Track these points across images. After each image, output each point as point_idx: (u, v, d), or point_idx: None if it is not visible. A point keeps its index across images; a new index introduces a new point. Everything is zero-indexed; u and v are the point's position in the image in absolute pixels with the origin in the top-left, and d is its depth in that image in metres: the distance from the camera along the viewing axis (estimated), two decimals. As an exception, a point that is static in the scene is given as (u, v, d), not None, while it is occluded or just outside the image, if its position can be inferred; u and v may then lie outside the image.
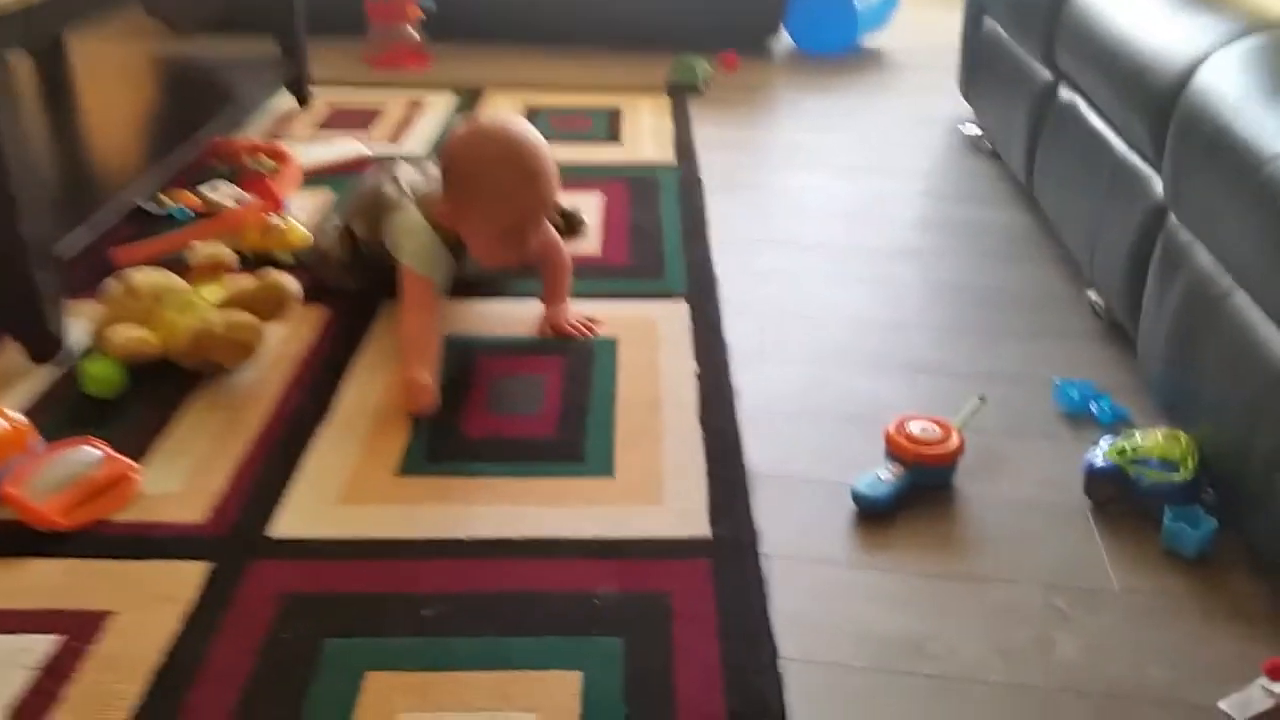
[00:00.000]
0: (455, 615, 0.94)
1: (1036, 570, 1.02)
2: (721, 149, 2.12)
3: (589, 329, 1.40)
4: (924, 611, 0.97)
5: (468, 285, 1.46)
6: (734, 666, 0.89)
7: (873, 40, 2.92)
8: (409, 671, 0.88)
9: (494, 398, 1.27)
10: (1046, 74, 1.72)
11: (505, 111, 1.37)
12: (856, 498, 1.09)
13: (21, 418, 1.11)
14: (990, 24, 2.08)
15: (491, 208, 1.29)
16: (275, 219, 1.59)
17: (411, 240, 1.34)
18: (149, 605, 0.94)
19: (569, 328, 1.40)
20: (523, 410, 1.25)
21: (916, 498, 1.11)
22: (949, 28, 2.41)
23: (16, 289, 1.28)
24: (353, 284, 1.47)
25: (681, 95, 2.44)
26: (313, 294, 1.44)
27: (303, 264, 1.52)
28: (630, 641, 0.91)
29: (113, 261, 1.51)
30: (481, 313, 1.46)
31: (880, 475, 1.10)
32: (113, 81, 2.08)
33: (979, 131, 2.17)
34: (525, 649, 0.90)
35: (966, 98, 2.25)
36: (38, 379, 1.28)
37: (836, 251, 1.70)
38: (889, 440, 1.13)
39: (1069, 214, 1.57)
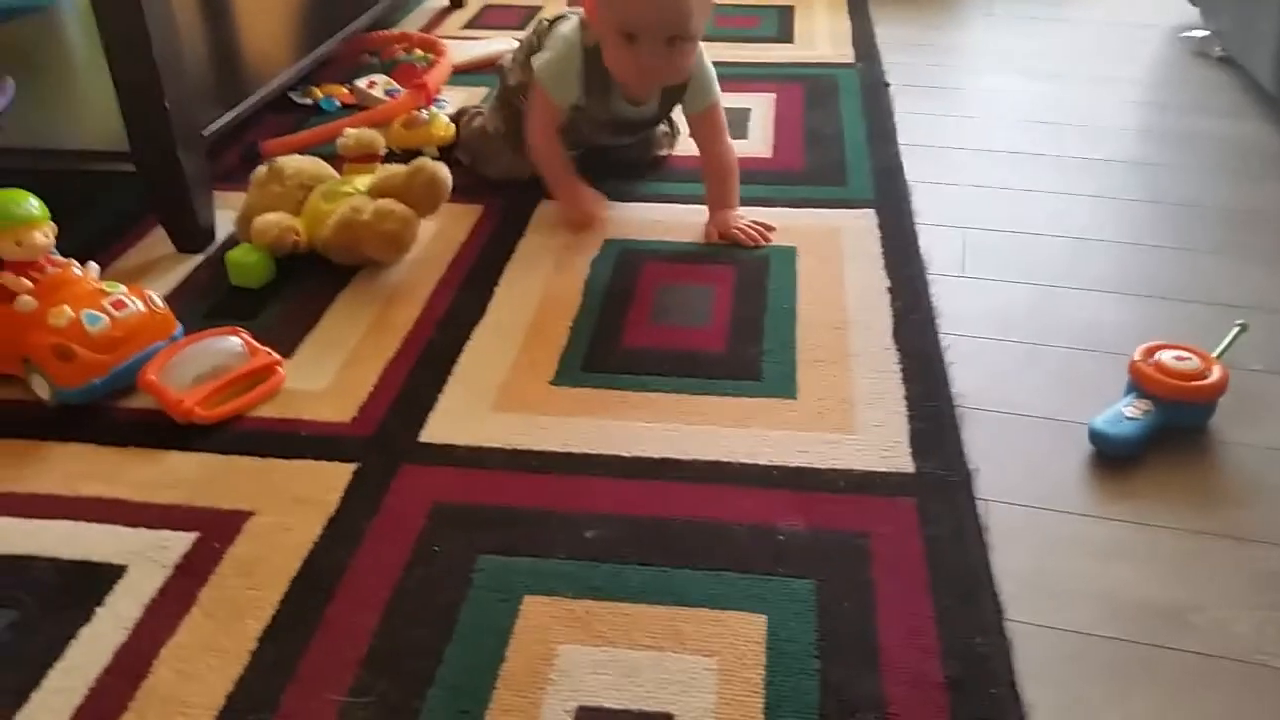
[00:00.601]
0: (620, 540, 0.82)
1: (1319, 535, 0.84)
2: (907, 49, 1.91)
3: (762, 235, 1.25)
4: (1181, 575, 0.80)
5: (620, 173, 1.36)
6: (950, 626, 0.74)
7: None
8: (570, 598, 0.77)
9: (658, 308, 1.14)
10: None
11: None
12: (1096, 436, 0.91)
13: (162, 303, 1.04)
14: (1235, -94, 1.79)
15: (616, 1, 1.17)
16: (422, 112, 1.49)
17: (552, 53, 1.26)
18: (290, 507, 0.86)
19: (736, 231, 1.25)
20: (690, 322, 1.11)
21: (1166, 440, 0.93)
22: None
23: (164, 174, 1.21)
24: (511, 161, 1.37)
25: (860, -6, 2.22)
26: (467, 189, 1.33)
27: (456, 156, 1.42)
28: (823, 586, 0.78)
29: (260, 152, 1.45)
30: (645, 218, 1.32)
31: (1125, 411, 0.92)
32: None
33: (1206, 35, 1.89)
34: (700, 584, 0.78)
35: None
36: (183, 267, 1.22)
37: (1046, 161, 1.49)
38: (1136, 371, 0.95)
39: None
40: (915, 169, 1.44)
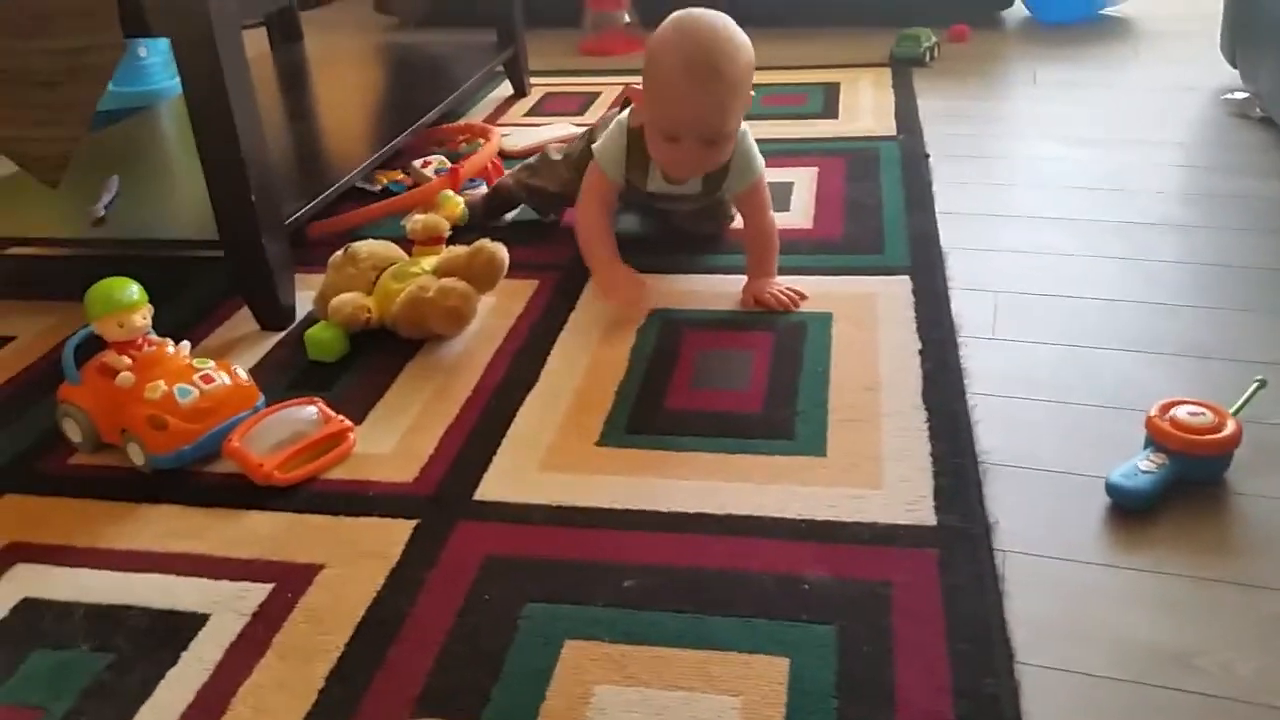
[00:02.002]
0: (656, 588, 0.88)
1: (1333, 583, 0.86)
2: (949, 120, 1.98)
3: (793, 300, 1.32)
4: (1191, 620, 0.83)
5: (672, 245, 1.46)
6: (963, 668, 0.79)
7: (1117, 8, 2.67)
8: (607, 643, 0.83)
9: (699, 372, 1.21)
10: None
11: (718, 13, 1.28)
12: (1112, 489, 0.95)
13: (247, 377, 1.15)
14: (1267, -27, 1.84)
15: (656, 97, 1.26)
16: (445, 193, 1.61)
17: (605, 138, 1.37)
18: (357, 560, 0.94)
19: (769, 297, 1.32)
20: (729, 385, 1.18)
21: (1181, 493, 0.96)
22: (1206, -12, 2.16)
23: (250, 260, 1.34)
24: (569, 183, 1.48)
25: (905, 69, 2.30)
26: (523, 266, 1.43)
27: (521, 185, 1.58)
28: (844, 631, 0.83)
29: (308, 234, 1.56)
30: (688, 288, 1.40)
31: (1140, 465, 0.96)
32: (344, 70, 2.19)
33: (1246, 96, 1.92)
34: (729, 629, 0.84)
35: (1232, 60, 2.00)
36: (266, 343, 1.34)
37: (1081, 226, 1.53)
38: (1151, 426, 0.99)
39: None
40: (951, 235, 1.50)
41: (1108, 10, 2.65)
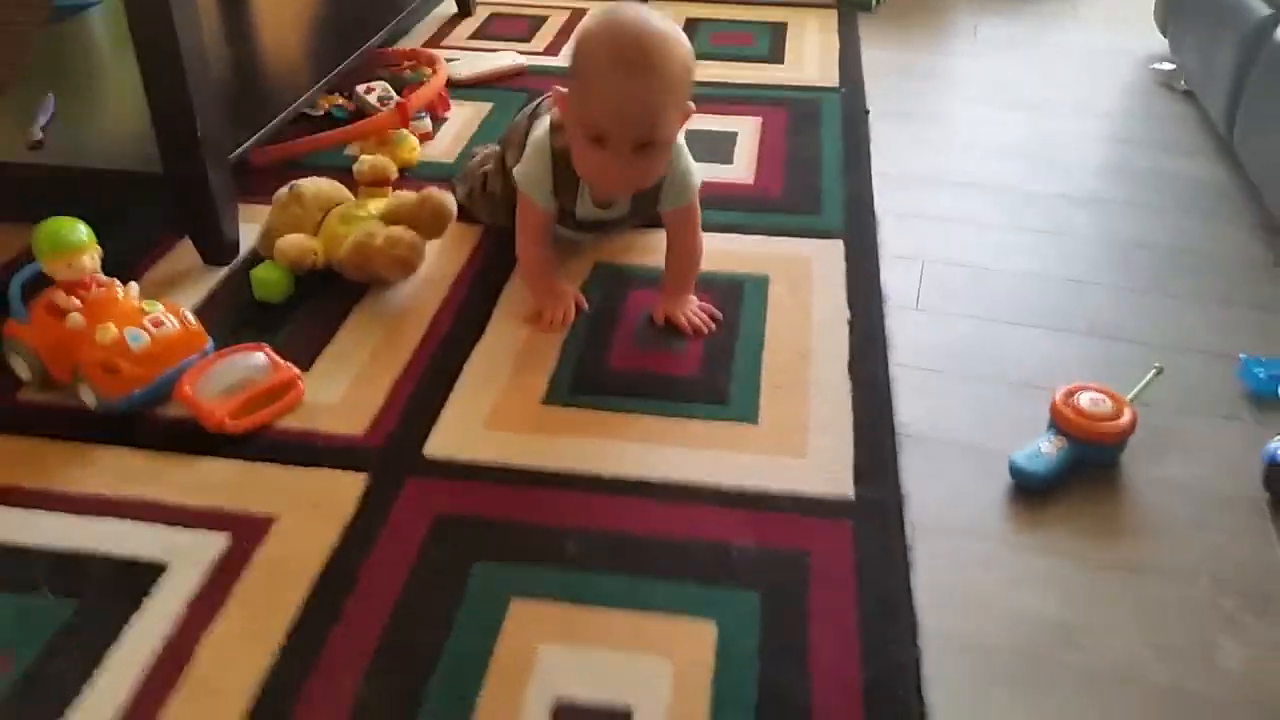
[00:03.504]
0: (596, 551, 0.95)
1: (1203, 566, 0.97)
2: (891, 74, 2.02)
3: (705, 324, 1.26)
4: (1078, 598, 0.93)
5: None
6: (872, 636, 0.87)
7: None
8: (550, 602, 0.90)
9: (640, 333, 1.27)
10: (1264, 8, 1.56)
11: (655, 9, 1.16)
12: (1014, 471, 1.04)
13: (195, 321, 1.16)
14: (1203, -51, 1.90)
15: (584, 94, 1.13)
16: (400, 132, 1.61)
17: (527, 160, 1.26)
18: (311, 513, 0.98)
19: (683, 319, 1.25)
20: (669, 348, 1.24)
21: (1078, 475, 1.05)
22: (1152, -50, 2.21)
23: (193, 192, 1.33)
24: (505, 220, 1.37)
25: (852, 12, 2.32)
26: (469, 213, 1.45)
27: (453, 184, 1.52)
28: (766, 598, 0.91)
29: (250, 161, 1.54)
30: (634, 243, 1.44)
31: (1042, 448, 1.05)
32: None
33: (1173, 68, 2.00)
34: (663, 592, 0.91)
35: (1163, 30, 2.06)
36: (210, 279, 1.35)
37: (1010, 196, 1.61)
38: (1055, 411, 1.07)
39: (1275, 171, 1.44)
40: (885, 199, 1.56)
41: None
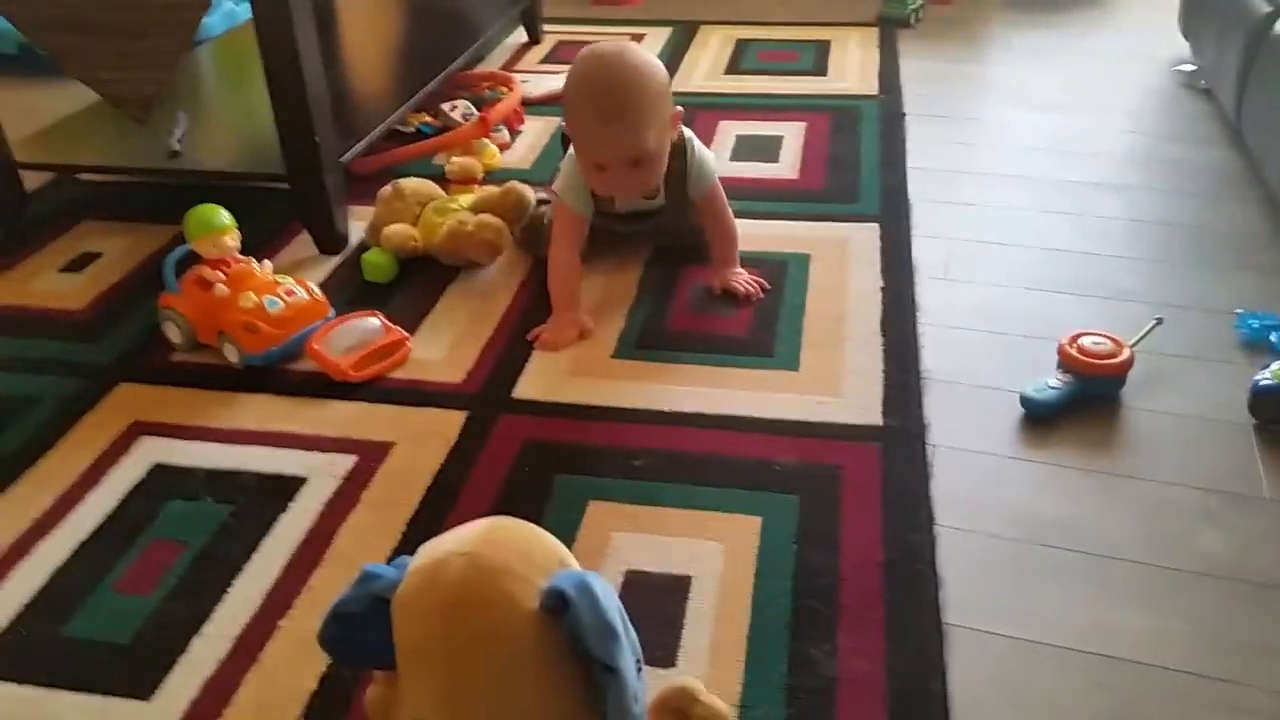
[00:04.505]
0: (659, 466, 1.13)
1: (1192, 475, 1.11)
2: (927, 81, 2.18)
3: (758, 291, 1.43)
4: (1077, 500, 1.08)
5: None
6: (894, 527, 1.03)
7: (1095, -26, 2.85)
8: (621, 504, 1.08)
9: (695, 301, 1.44)
10: (1266, 5, 1.70)
11: (622, 41, 1.38)
12: (1024, 401, 1.19)
13: (320, 292, 1.37)
14: (1217, -43, 2.04)
15: (577, 135, 1.36)
16: (481, 141, 1.82)
17: (562, 177, 1.43)
18: (422, 440, 1.18)
19: (737, 286, 1.43)
20: (720, 312, 1.41)
21: (1083, 406, 1.20)
22: (1176, -39, 2.35)
23: (311, 190, 1.55)
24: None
25: (892, 29, 2.50)
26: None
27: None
28: (803, 499, 1.07)
29: (351, 170, 1.75)
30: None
31: (1049, 382, 1.20)
32: (374, 17, 2.37)
33: (1194, 69, 2.13)
34: (715, 496, 1.08)
35: (1185, 34, 2.20)
36: (326, 266, 1.56)
37: (1036, 184, 1.75)
38: (1060, 351, 1.22)
39: (1276, 150, 1.57)
40: (917, 189, 1.72)
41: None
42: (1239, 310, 1.35)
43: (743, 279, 1.45)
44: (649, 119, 1.31)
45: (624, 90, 1.30)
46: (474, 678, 0.64)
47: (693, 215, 1.51)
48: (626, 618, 0.67)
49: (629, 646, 0.65)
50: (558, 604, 0.64)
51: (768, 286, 1.45)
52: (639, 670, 0.67)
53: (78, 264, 1.59)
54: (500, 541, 0.68)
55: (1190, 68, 2.15)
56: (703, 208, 1.48)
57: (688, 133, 1.44)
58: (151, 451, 1.19)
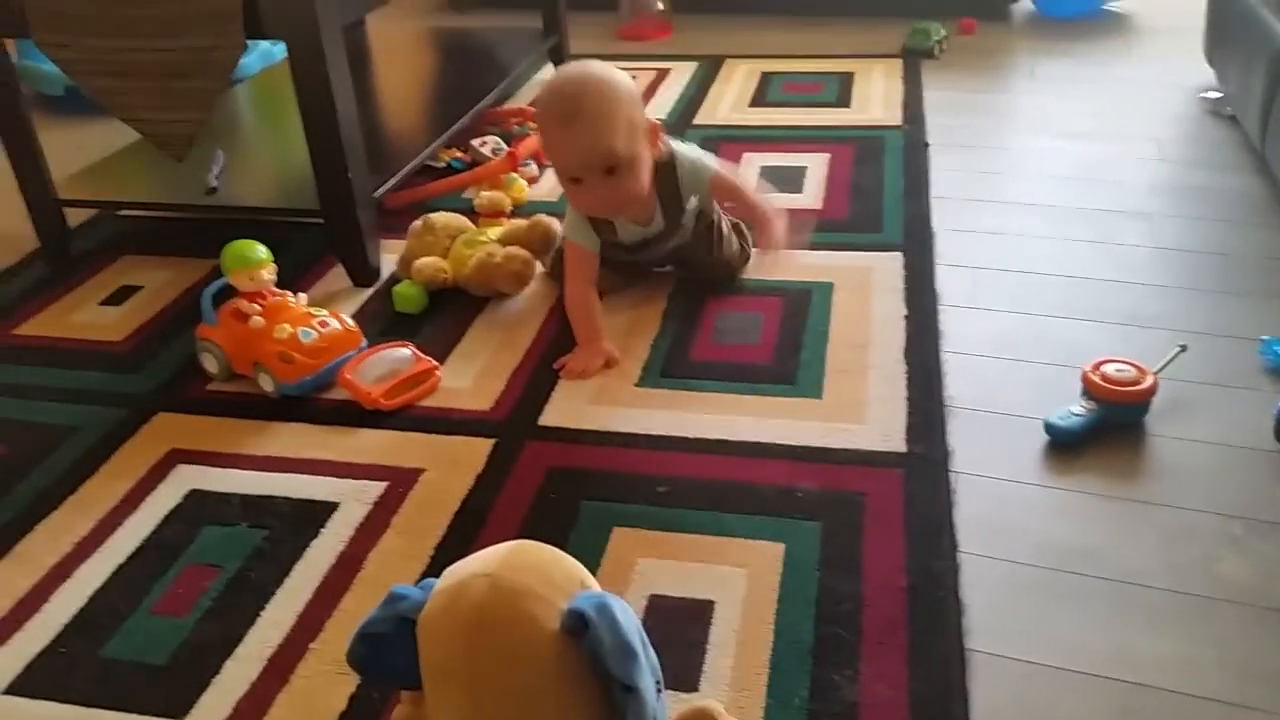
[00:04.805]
0: (683, 493, 1.14)
1: (1216, 501, 1.10)
2: (951, 112, 2.20)
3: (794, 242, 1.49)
4: (1100, 527, 1.08)
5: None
6: (917, 553, 1.04)
7: (1118, 4, 2.86)
8: (645, 530, 1.09)
9: (718, 330, 1.46)
10: (1290, 35, 1.70)
11: (595, 60, 1.40)
12: (1048, 428, 1.20)
13: (353, 322, 1.40)
14: (1240, -15, 2.04)
15: (546, 150, 1.40)
16: (510, 175, 1.86)
17: (568, 214, 1.47)
18: (450, 467, 1.20)
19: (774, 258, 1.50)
20: (743, 341, 1.43)
21: (1107, 433, 1.20)
22: (1199, -11, 2.36)
23: (345, 225, 1.59)
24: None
25: (916, 60, 2.52)
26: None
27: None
28: (826, 526, 1.08)
29: (385, 204, 1.80)
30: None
31: (1073, 410, 1.20)
32: (405, 56, 2.43)
33: (1219, 96, 2.13)
34: (739, 523, 1.10)
35: (1210, 62, 2.20)
36: (359, 298, 1.60)
37: (1060, 213, 1.76)
38: (1084, 378, 1.23)
39: (1301, 177, 1.57)
40: (941, 218, 1.74)
41: (1109, 6, 2.84)
42: (1264, 337, 1.34)
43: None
44: (611, 121, 1.31)
45: (581, 92, 1.32)
46: (496, 697, 0.66)
47: (716, 249, 1.53)
48: (646, 639, 0.69)
49: (648, 667, 0.66)
50: (578, 625, 0.65)
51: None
52: (659, 691, 0.69)
53: (118, 297, 1.64)
54: (522, 564, 0.70)
55: (1215, 94, 2.15)
56: (723, 200, 1.51)
57: (674, 145, 1.45)
58: (188, 478, 1.22)
